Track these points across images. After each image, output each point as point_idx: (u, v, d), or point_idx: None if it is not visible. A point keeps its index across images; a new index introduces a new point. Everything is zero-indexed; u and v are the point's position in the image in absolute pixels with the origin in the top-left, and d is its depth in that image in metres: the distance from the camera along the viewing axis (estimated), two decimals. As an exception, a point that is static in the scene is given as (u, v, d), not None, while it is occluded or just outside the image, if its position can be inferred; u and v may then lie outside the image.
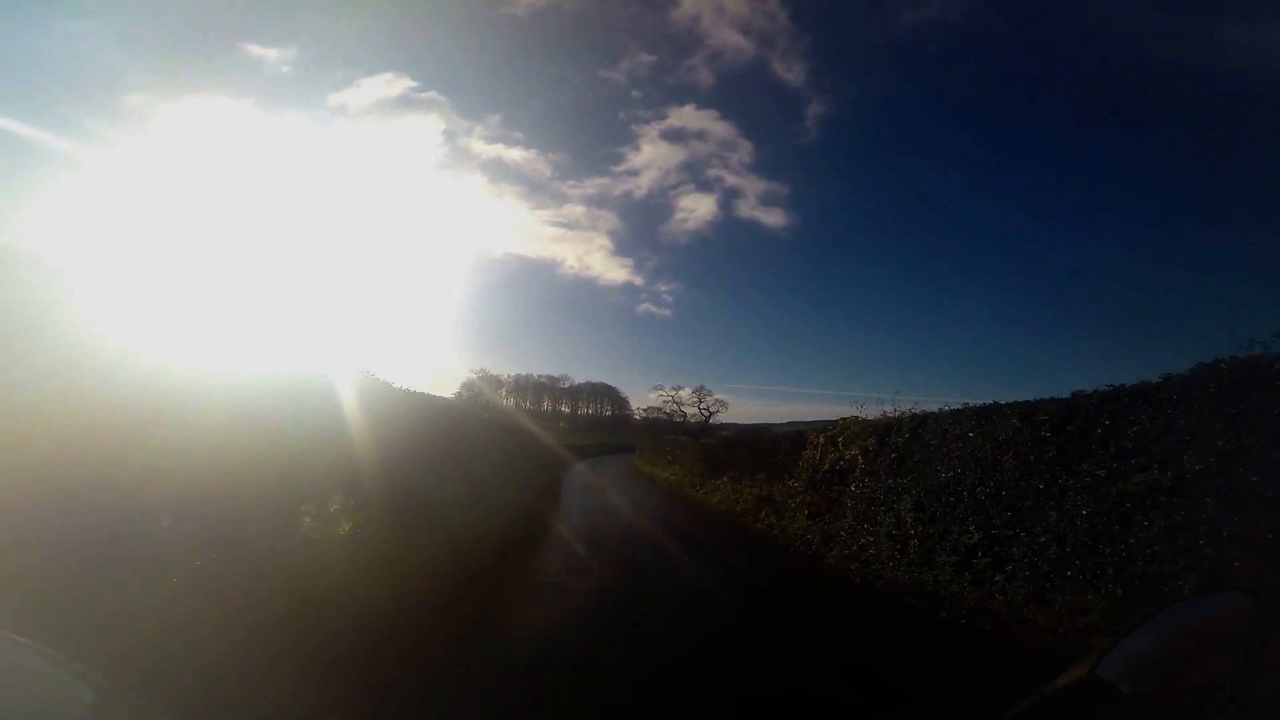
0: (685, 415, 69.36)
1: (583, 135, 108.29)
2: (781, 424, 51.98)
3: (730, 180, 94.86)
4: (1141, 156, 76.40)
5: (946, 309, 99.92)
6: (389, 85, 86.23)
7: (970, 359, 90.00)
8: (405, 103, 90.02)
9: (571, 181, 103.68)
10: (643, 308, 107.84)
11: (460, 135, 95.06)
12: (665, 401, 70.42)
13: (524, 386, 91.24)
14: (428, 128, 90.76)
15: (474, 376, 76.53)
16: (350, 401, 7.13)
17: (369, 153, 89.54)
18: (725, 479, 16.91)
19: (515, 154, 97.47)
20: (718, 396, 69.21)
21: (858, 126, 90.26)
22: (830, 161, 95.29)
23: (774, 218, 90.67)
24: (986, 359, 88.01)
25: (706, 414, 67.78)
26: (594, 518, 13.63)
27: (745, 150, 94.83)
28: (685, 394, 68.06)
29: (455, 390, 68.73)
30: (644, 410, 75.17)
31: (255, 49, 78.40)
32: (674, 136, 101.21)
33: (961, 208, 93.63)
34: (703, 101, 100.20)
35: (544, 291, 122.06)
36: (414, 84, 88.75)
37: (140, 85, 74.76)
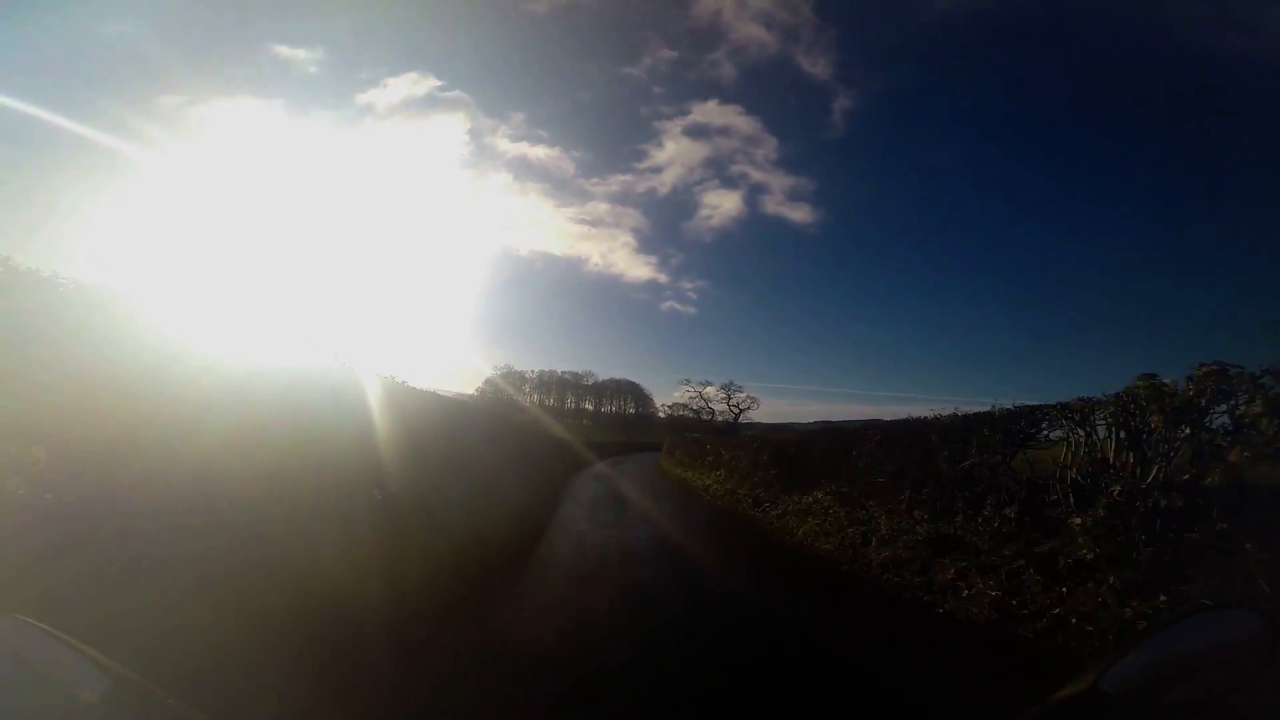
0: (713, 413, 68.62)
1: (605, 132, 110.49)
2: (808, 423, 50.87)
3: (756, 176, 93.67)
4: (1178, 148, 72.44)
5: (970, 307, 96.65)
6: (414, 85, 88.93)
7: (994, 360, 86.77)
8: (431, 102, 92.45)
9: (595, 179, 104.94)
10: (667, 305, 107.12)
11: (485, 134, 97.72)
12: (691, 398, 69.84)
13: (547, 383, 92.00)
14: (453, 126, 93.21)
15: (496, 373, 77.72)
16: (367, 398, 7.27)
17: (396, 152, 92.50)
18: (821, 496, 9.96)
19: (539, 152, 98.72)
20: (748, 393, 68.53)
21: (885, 120, 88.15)
22: (858, 156, 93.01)
23: (801, 214, 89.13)
24: (1010, 360, 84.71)
25: (736, 411, 66.87)
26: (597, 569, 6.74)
27: (770, 146, 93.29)
28: (712, 391, 67.85)
29: (477, 387, 69.98)
30: (669, 407, 75.24)
31: (284, 50, 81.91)
32: (697, 132, 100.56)
33: (988, 202, 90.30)
34: (726, 97, 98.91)
35: (568, 289, 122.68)
36: (439, 83, 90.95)
37: (174, 87, 77.29)
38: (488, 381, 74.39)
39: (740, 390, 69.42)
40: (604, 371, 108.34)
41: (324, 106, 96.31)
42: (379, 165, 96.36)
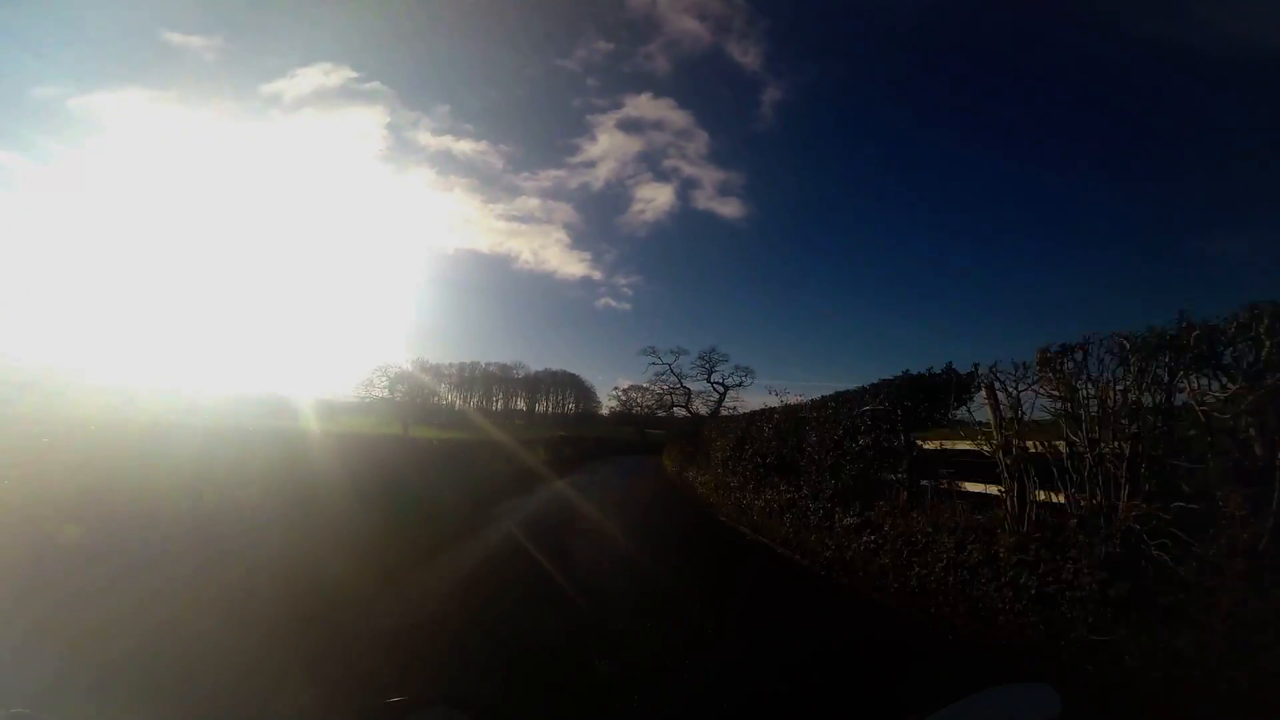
0: (689, 395, 51.45)
1: (537, 126, 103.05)
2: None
3: (688, 170, 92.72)
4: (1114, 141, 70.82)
5: (901, 290, 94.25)
6: (327, 75, 79.87)
7: (929, 339, 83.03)
8: (346, 93, 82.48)
9: (525, 174, 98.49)
10: (602, 301, 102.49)
11: (405, 127, 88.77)
12: (657, 378, 52.37)
13: (470, 379, 76.78)
14: (371, 119, 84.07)
15: (409, 368, 62.07)
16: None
17: (306, 146, 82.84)
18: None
19: (465, 146, 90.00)
20: (737, 363, 51.40)
21: (813, 112, 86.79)
22: (786, 149, 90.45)
23: (730, 208, 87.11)
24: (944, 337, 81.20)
25: (721, 390, 49.78)
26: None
27: (702, 140, 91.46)
28: (686, 363, 51.32)
29: (380, 390, 56.41)
30: (623, 392, 58.29)
31: (176, 37, 71.52)
32: (631, 126, 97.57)
33: (913, 191, 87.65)
34: (660, 90, 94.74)
35: (499, 288, 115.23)
36: (355, 74, 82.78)
37: (48, 78, 70.78)
38: (399, 377, 59.17)
39: (725, 359, 51.44)
40: (537, 363, 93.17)
41: (224, 97, 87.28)
42: (287, 160, 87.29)
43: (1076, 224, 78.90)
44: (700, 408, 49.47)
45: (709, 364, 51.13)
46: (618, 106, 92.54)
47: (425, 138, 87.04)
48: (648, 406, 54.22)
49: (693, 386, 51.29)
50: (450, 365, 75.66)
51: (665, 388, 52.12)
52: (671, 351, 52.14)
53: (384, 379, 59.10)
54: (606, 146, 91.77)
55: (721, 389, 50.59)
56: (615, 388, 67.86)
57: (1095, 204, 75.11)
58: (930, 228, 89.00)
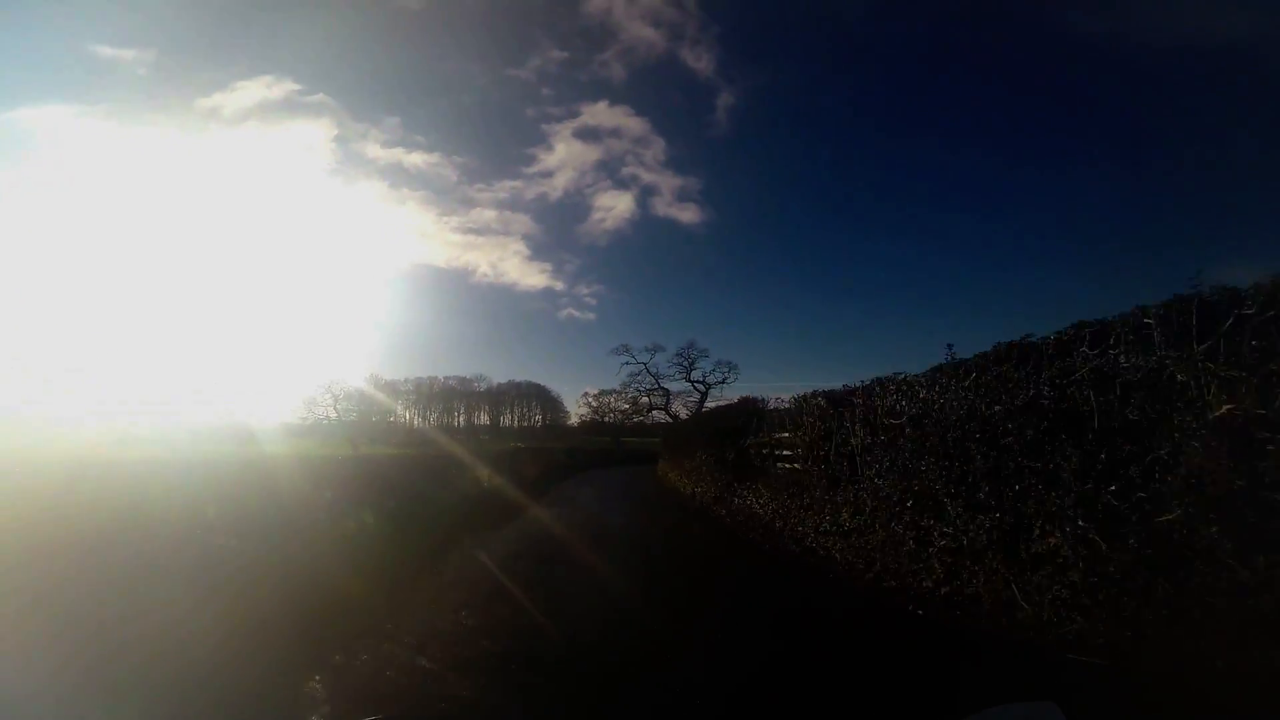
0: (668, 396, 47.19)
1: (491, 137, 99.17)
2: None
3: (646, 177, 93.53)
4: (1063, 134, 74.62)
5: (856, 291, 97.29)
6: (269, 88, 74.80)
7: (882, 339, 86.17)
8: (290, 107, 79.35)
9: (481, 185, 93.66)
10: (565, 312, 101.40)
11: (354, 140, 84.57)
12: (631, 380, 47.79)
13: (429, 394, 74.11)
14: (318, 133, 79.74)
15: (362, 386, 59.42)
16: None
17: (248, 161, 77.65)
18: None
19: (417, 158, 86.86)
20: (719, 359, 48.02)
21: (766, 116, 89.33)
22: (741, 153, 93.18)
23: (689, 214, 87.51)
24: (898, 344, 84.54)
25: (703, 389, 46.27)
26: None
27: (659, 146, 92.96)
28: (662, 361, 47.67)
29: (328, 410, 53.72)
30: (593, 398, 55.41)
31: (107, 50, 65.62)
32: (589, 135, 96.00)
33: (866, 193, 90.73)
34: (616, 98, 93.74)
35: (459, 302, 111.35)
36: (298, 87, 77.84)
37: None
38: (347, 396, 56.57)
39: (705, 355, 47.64)
40: (501, 376, 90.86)
41: (159, 112, 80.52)
42: (228, 176, 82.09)
43: (1030, 224, 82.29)
44: (680, 409, 46.78)
45: (688, 361, 47.51)
46: (574, 115, 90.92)
47: (375, 150, 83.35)
48: (621, 412, 51.80)
49: (671, 387, 48.22)
50: (406, 381, 73.18)
51: (641, 389, 48.96)
52: (647, 349, 48.62)
53: (330, 398, 56.51)
54: (564, 156, 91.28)
55: (703, 387, 47.30)
56: (585, 393, 63.12)
57: (1052, 208, 78.46)
58: (886, 227, 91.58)
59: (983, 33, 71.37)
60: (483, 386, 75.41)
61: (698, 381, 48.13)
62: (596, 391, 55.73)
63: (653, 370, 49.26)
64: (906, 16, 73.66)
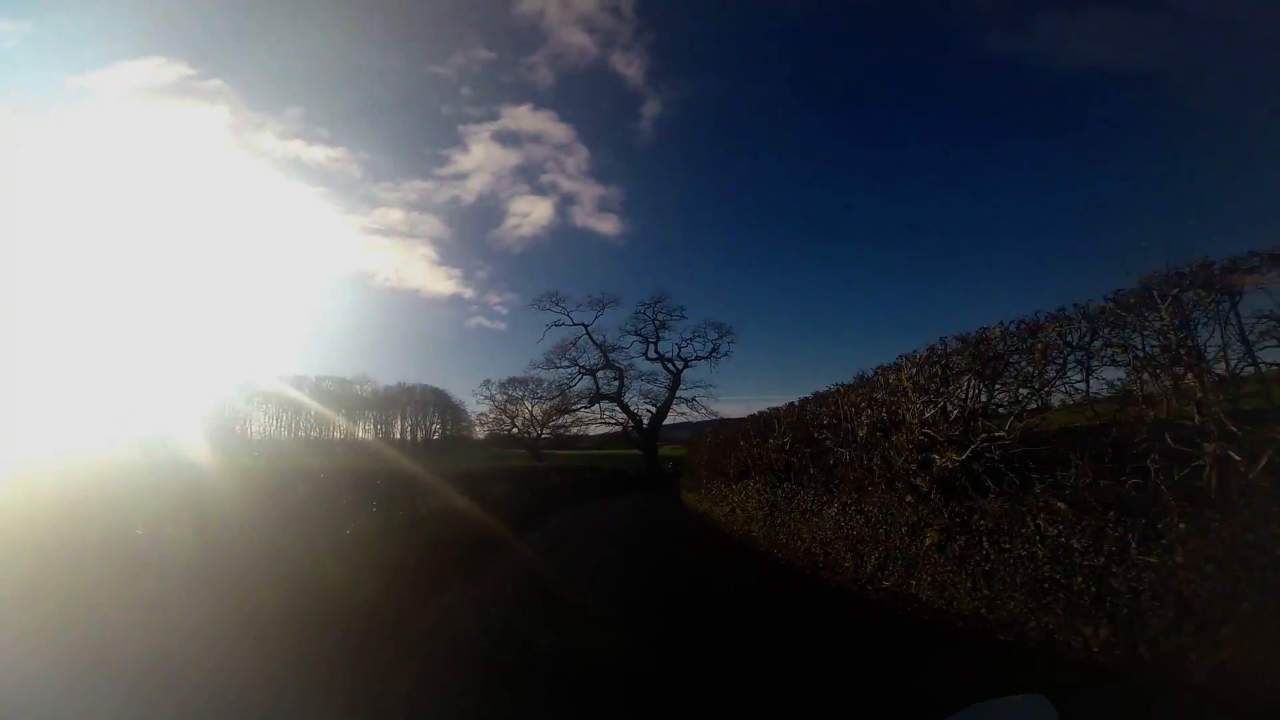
0: (621, 380, 30.39)
1: (403, 134, 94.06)
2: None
3: (567, 185, 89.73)
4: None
5: (777, 306, 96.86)
6: (159, 70, 67.90)
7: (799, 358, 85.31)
8: (180, 91, 69.69)
9: (388, 184, 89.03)
10: (474, 321, 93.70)
11: (248, 130, 77.80)
12: (561, 357, 31.18)
13: (297, 401, 59.53)
14: (211, 120, 70.93)
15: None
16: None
17: (126, 147, 65.85)
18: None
19: (318, 152, 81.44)
20: (706, 318, 40.33)
21: (692, 126, 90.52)
22: (664, 165, 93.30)
23: (609, 224, 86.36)
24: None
25: (675, 369, 31.67)
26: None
27: (582, 155, 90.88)
28: (614, 323, 36.35)
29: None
30: (500, 389, 39.86)
31: None
32: (509, 139, 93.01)
33: (787, 205, 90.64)
34: (541, 102, 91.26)
35: (355, 307, 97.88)
36: (192, 71, 74.91)
37: None
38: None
39: (681, 315, 32.53)
40: (389, 378, 76.99)
41: (25, 90, 65.02)
42: (100, 163, 66.55)
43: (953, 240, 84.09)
44: (640, 404, 31.78)
45: (654, 323, 30.44)
46: (494, 117, 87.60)
47: (271, 142, 76.97)
48: (545, 412, 35.65)
49: (643, 366, 32.59)
50: (274, 383, 58.13)
51: (580, 367, 31.12)
52: (594, 301, 30.90)
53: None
54: (481, 158, 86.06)
55: (677, 366, 30.49)
56: (487, 382, 44.57)
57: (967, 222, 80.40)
58: (804, 238, 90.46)
59: (899, 49, 72.88)
60: (366, 390, 62.04)
61: (669, 357, 31.50)
62: (504, 380, 38.52)
63: (599, 338, 32.11)
64: (834, 38, 73.75)
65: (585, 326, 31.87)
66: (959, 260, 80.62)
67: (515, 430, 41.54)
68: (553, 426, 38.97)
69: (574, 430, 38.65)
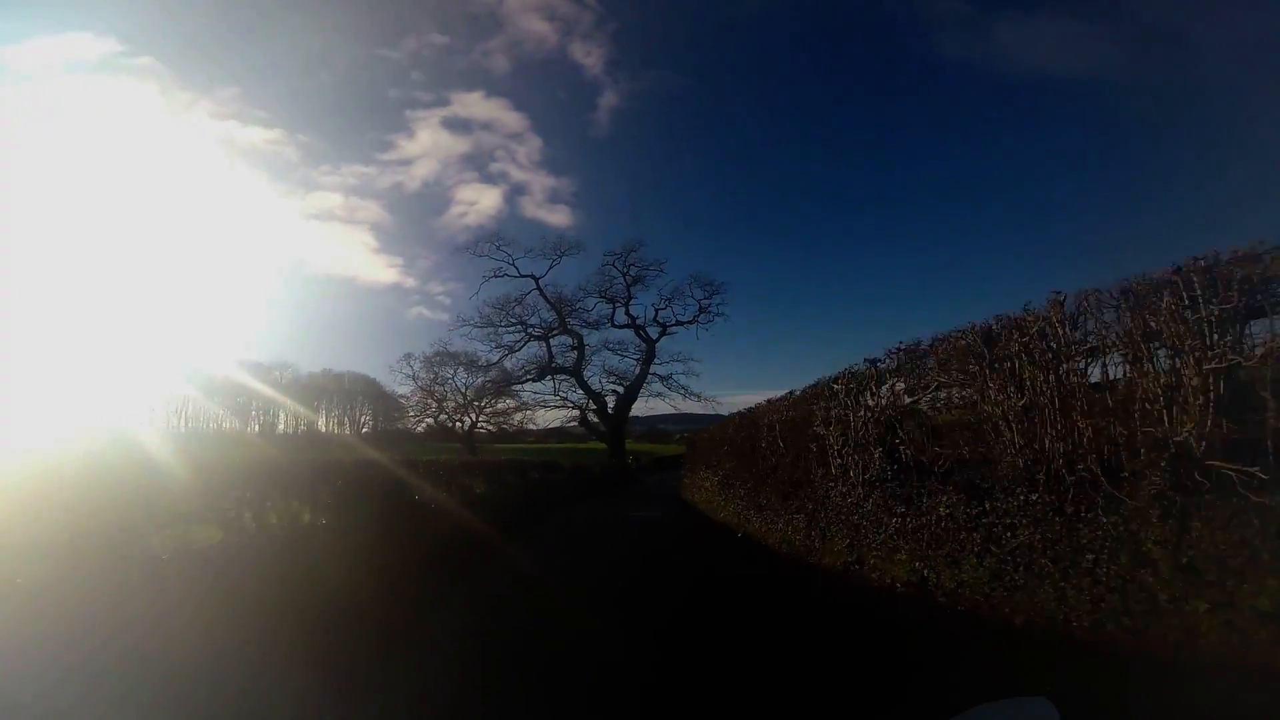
0: (582, 349, 24.05)
1: (345, 118, 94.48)
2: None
3: (517, 175, 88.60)
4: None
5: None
6: (85, 46, 67.75)
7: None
8: (107, 68, 65.82)
9: (326, 168, 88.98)
10: (415, 311, 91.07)
11: (180, 110, 71.57)
12: (501, 315, 24.55)
13: (218, 388, 54.75)
14: (140, 99, 67.80)
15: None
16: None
17: (46, 125, 58.55)
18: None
19: (253, 134, 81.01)
20: (693, 274, 32.35)
21: (647, 118, 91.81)
22: (618, 157, 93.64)
23: (560, 216, 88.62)
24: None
25: (648, 337, 25.19)
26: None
27: (535, 145, 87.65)
28: (574, 278, 31.20)
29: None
30: (426, 364, 34.98)
31: None
32: (458, 126, 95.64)
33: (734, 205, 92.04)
34: (494, 89, 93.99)
35: (287, 295, 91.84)
36: (121, 48, 72.46)
37: None
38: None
39: (659, 271, 26.97)
40: (313, 365, 71.28)
41: None
42: (19, 140, 58.25)
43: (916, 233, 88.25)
44: (604, 383, 24.67)
45: (626, 278, 24.22)
46: (444, 103, 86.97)
47: (204, 121, 72.08)
48: (479, 390, 28.69)
49: (591, 338, 24.60)
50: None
51: (525, 330, 23.77)
52: (549, 248, 24.59)
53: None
54: (427, 145, 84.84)
55: (652, 334, 23.51)
56: (407, 356, 36.49)
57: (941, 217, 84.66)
58: (758, 235, 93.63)
59: (854, 48, 76.77)
60: (287, 376, 58.00)
61: (641, 324, 24.68)
62: (430, 355, 32.27)
63: (553, 294, 25.32)
64: (790, 33, 76.53)
65: (535, 279, 25.61)
66: (917, 269, 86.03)
67: (444, 417, 36.46)
68: (491, 413, 35.45)
69: (518, 418, 32.72)
